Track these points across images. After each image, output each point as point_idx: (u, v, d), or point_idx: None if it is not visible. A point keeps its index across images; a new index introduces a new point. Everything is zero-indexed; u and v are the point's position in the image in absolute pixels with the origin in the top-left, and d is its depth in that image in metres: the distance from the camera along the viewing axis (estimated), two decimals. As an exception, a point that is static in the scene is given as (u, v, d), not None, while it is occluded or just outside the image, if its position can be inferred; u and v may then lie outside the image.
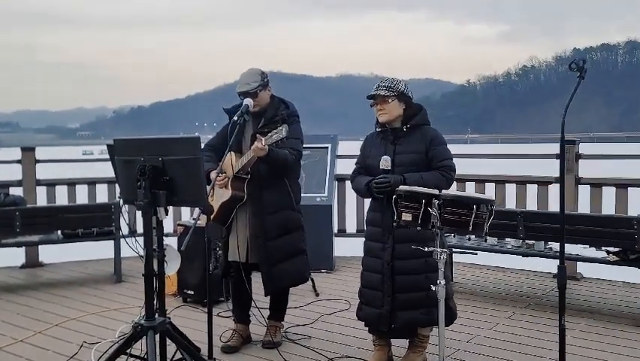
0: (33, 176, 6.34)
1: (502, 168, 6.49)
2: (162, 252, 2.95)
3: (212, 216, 3.67)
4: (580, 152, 5.45)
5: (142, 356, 2.99)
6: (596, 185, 5.33)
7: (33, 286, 5.53)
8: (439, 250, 2.90)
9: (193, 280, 4.78)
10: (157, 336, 2.93)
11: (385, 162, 3.29)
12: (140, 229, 3.04)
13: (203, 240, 3.61)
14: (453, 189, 3.35)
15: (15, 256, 6.12)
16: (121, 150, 3.05)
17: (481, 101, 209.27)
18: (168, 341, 3.02)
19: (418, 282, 3.24)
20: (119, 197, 3.14)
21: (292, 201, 3.79)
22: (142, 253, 2.96)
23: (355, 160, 3.61)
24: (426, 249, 2.96)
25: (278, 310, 3.98)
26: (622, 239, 4.24)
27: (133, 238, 3.13)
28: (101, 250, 6.10)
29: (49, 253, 6.40)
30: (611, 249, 4.42)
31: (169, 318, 3.03)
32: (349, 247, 6.16)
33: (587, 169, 5.52)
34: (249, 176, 3.69)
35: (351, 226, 6.52)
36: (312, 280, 5.07)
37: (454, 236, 5.02)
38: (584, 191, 5.40)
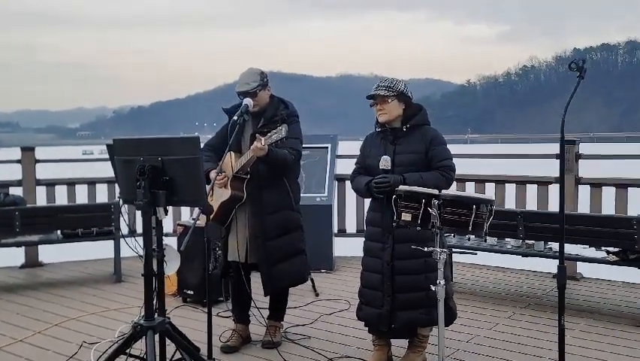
0: (33, 176, 6.35)
1: (502, 168, 6.49)
2: (162, 252, 2.94)
3: (211, 216, 3.67)
4: (580, 152, 5.45)
5: (141, 356, 2.99)
6: (596, 185, 5.33)
7: (33, 286, 5.53)
8: (438, 250, 2.90)
9: (193, 280, 4.78)
10: (156, 336, 2.92)
11: (385, 161, 3.29)
12: (139, 228, 3.03)
13: (203, 240, 3.61)
14: (453, 189, 3.35)
15: (15, 255, 6.12)
16: (120, 149, 3.05)
17: (481, 101, 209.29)
18: (168, 341, 3.01)
19: (418, 282, 3.24)
20: (119, 197, 3.14)
21: (291, 201, 3.79)
22: (141, 253, 2.96)
23: (355, 160, 3.61)
24: (425, 249, 2.95)
25: (277, 310, 3.98)
26: (622, 239, 4.24)
27: (133, 238, 3.13)
28: (101, 249, 6.10)
29: (48, 253, 6.40)
30: (610, 249, 4.42)
31: (168, 318, 3.03)
32: (349, 247, 6.16)
33: (586, 169, 5.53)
34: (249, 176, 3.69)
35: (351, 226, 6.52)
36: (312, 280, 5.07)
37: (454, 236, 5.02)
38: (584, 191, 5.40)
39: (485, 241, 4.93)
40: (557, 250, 3.78)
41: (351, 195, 4.91)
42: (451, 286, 3.52)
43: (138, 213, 2.88)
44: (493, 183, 5.86)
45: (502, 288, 5.24)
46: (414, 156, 3.32)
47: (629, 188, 5.19)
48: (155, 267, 2.93)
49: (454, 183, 3.50)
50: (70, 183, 6.53)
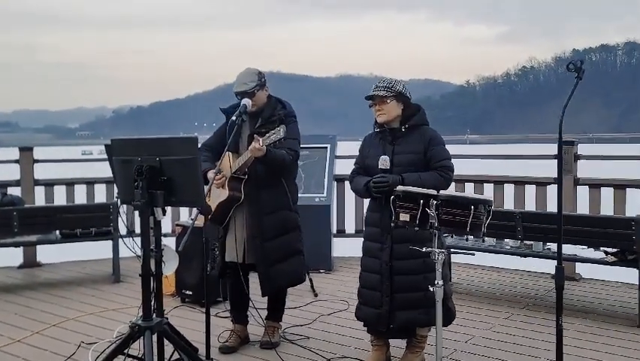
0: (31, 176, 6.34)
1: (501, 169, 6.50)
2: (160, 252, 2.94)
3: (209, 217, 3.66)
4: (578, 152, 5.46)
5: (139, 356, 2.99)
6: (595, 186, 5.33)
7: (31, 287, 5.52)
8: (436, 250, 2.90)
9: (191, 280, 4.77)
10: (154, 336, 2.92)
11: (384, 161, 3.29)
12: (138, 229, 3.03)
13: (202, 240, 3.61)
14: (451, 190, 3.35)
15: (13, 256, 6.11)
16: (118, 150, 3.05)
17: (480, 102, 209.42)
18: (166, 342, 3.01)
19: (417, 282, 3.24)
20: (117, 197, 3.14)
21: (289, 201, 3.79)
22: (140, 253, 2.96)
23: (354, 160, 3.62)
24: (424, 249, 2.96)
25: (276, 310, 3.98)
26: (620, 240, 4.24)
27: (131, 239, 3.13)
28: (99, 250, 6.09)
29: (47, 253, 6.39)
30: (609, 250, 4.42)
31: (167, 318, 3.02)
32: (348, 248, 6.15)
33: (586, 170, 5.53)
34: (247, 176, 3.68)
35: (350, 227, 6.52)
36: (311, 280, 5.07)
37: (452, 236, 5.02)
38: (583, 192, 5.41)
39: (484, 241, 4.92)
40: (556, 250, 3.78)
41: (350, 196, 4.91)
42: (450, 287, 3.52)
43: (137, 213, 2.88)
44: (492, 184, 5.86)
45: (498, 288, 5.24)
46: (412, 156, 3.32)
47: (627, 189, 5.20)
48: (153, 267, 2.93)
49: (453, 183, 3.50)
50: (69, 184, 6.52)
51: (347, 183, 4.44)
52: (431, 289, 2.93)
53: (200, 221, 3.68)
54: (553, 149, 5.25)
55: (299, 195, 3.96)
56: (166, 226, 3.88)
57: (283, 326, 4.09)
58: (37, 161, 6.41)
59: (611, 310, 4.58)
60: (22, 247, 5.99)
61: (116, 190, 3.19)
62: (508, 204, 5.67)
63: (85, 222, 5.53)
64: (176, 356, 3.10)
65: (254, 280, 3.85)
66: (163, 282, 3.03)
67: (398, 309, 3.30)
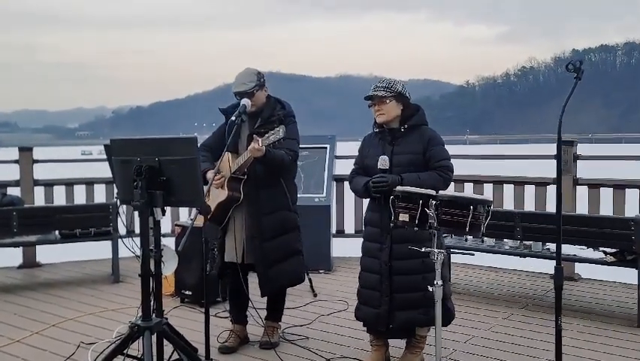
0: (31, 176, 6.34)
1: (501, 169, 6.50)
2: (159, 252, 2.94)
3: (208, 217, 3.66)
4: (578, 153, 5.46)
5: (139, 356, 2.99)
6: (594, 186, 5.33)
7: (30, 287, 5.52)
8: (436, 250, 2.90)
9: (190, 280, 4.78)
10: (154, 336, 2.92)
11: (383, 161, 3.29)
12: (137, 229, 3.03)
13: (201, 240, 3.61)
14: (451, 190, 3.35)
15: (12, 256, 6.11)
16: (118, 150, 3.05)
17: (480, 102, 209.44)
18: (166, 342, 3.01)
19: (416, 282, 3.24)
20: (116, 197, 3.14)
21: (288, 201, 3.79)
22: (139, 253, 2.96)
23: (354, 161, 3.62)
24: (423, 249, 2.96)
25: (275, 310, 3.98)
26: (619, 240, 4.24)
27: (130, 239, 3.13)
28: (99, 250, 6.09)
29: (46, 254, 6.39)
30: (608, 250, 4.42)
31: (166, 318, 3.02)
32: (348, 248, 6.15)
33: (585, 170, 5.53)
34: (246, 176, 3.69)
35: (349, 227, 6.52)
36: (310, 280, 5.07)
37: (452, 237, 5.02)
38: (582, 192, 5.41)
39: (483, 241, 4.93)
40: (555, 250, 3.78)
41: (349, 196, 4.90)
42: (450, 287, 3.52)
43: (136, 213, 2.88)
44: (491, 184, 5.86)
45: (497, 288, 5.25)
46: (412, 156, 3.33)
47: (626, 189, 5.20)
48: (152, 267, 2.93)
49: (452, 183, 3.50)
50: (69, 184, 6.52)
51: (346, 184, 4.44)
52: (430, 289, 2.93)
53: (199, 221, 3.68)
54: (552, 149, 5.24)
55: (298, 195, 3.96)
56: (165, 226, 3.88)
57: (282, 326, 4.09)
58: (37, 161, 6.41)
59: (610, 310, 4.58)
60: (21, 248, 6.00)
61: (115, 190, 3.19)
62: (508, 205, 5.68)
63: (84, 223, 5.53)
64: (175, 356, 3.10)
65: (253, 281, 3.86)
66: (162, 282, 3.03)
67: (397, 309, 3.30)
